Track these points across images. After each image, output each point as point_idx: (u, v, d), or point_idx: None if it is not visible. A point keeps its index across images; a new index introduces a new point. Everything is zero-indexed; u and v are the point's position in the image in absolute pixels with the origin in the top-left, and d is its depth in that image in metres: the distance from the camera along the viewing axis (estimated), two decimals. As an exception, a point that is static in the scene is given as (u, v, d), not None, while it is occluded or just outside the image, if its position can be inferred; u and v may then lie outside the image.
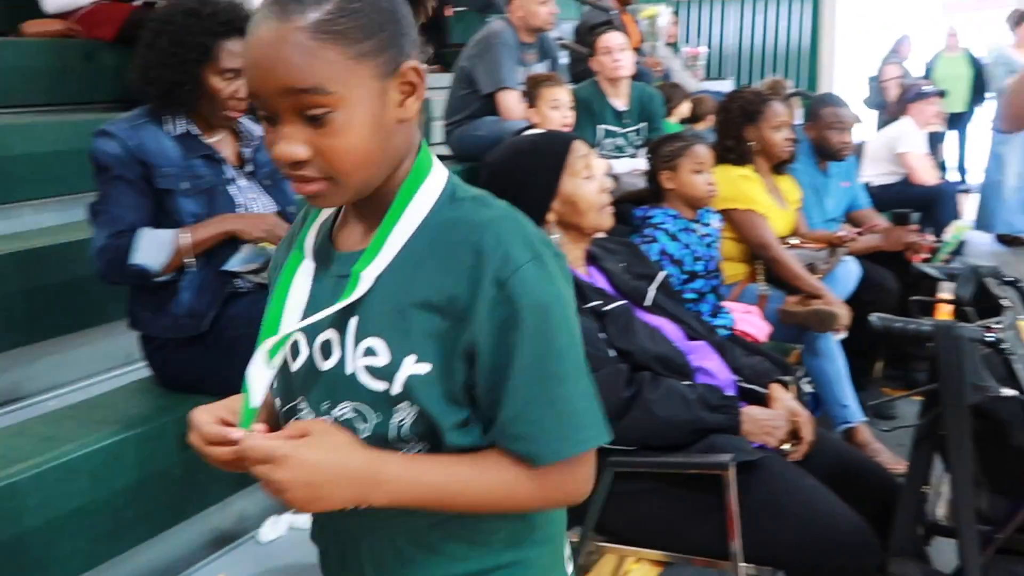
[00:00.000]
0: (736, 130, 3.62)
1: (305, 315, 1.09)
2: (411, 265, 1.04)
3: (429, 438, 1.05)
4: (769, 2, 9.84)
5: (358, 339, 1.05)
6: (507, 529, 1.12)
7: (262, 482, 0.99)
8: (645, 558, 2.12)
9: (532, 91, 4.07)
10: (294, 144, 0.99)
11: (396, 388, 1.02)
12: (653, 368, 2.07)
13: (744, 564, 1.92)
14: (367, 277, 1.05)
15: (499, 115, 4.35)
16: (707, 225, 3.17)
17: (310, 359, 1.10)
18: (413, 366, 1.02)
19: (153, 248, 2.24)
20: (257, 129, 2.51)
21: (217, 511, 2.53)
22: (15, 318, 2.71)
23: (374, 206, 1.08)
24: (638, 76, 4.91)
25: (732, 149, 3.62)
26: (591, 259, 2.26)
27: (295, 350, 1.11)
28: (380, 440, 1.04)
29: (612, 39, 4.39)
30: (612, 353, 2.05)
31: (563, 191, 2.11)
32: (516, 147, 2.20)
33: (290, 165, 1.00)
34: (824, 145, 4.00)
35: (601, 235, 2.28)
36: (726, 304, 3.14)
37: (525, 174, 2.13)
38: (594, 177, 2.13)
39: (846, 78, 9.32)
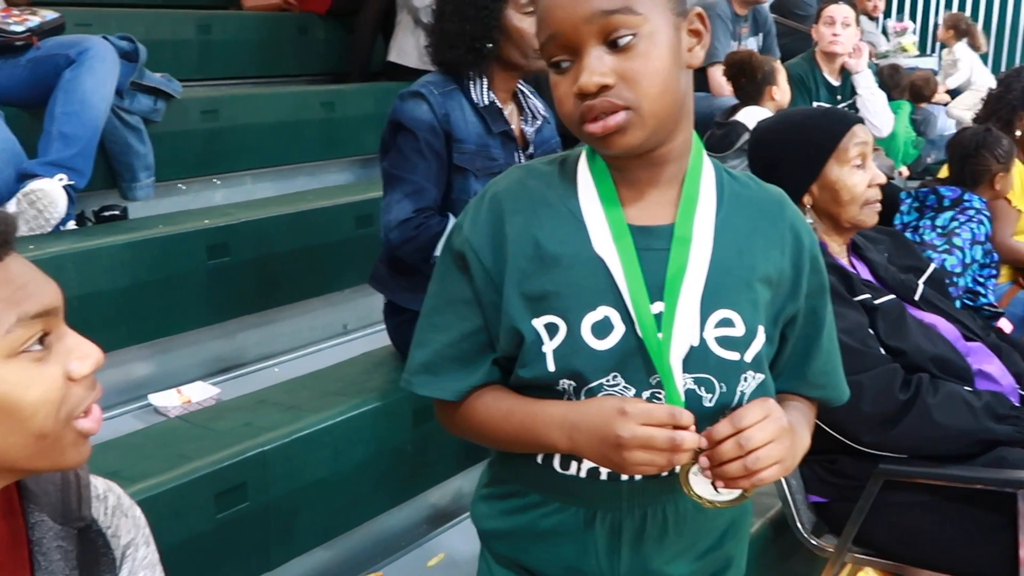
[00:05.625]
0: (1009, 115, 3.35)
1: (640, 288, 1.05)
2: (740, 239, 1.09)
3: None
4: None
5: (708, 310, 1.06)
6: None
7: (737, 453, 0.96)
8: (910, 577, 1.96)
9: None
10: (600, 70, 0.98)
11: (748, 357, 1.07)
12: (929, 370, 1.90)
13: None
14: (700, 248, 1.06)
15: (709, 91, 4.18)
16: None
17: (629, 334, 1.04)
18: (762, 336, 1.08)
19: None
20: (543, 107, 2.35)
21: (436, 489, 2.51)
22: (241, 287, 2.76)
23: (662, 173, 1.08)
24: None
25: None
26: (853, 249, 2.09)
27: (605, 327, 1.05)
28: (721, 409, 1.05)
29: (838, 11, 4.12)
30: (882, 351, 1.89)
31: (826, 176, 1.95)
32: (788, 117, 2.06)
33: (594, 94, 0.98)
34: None
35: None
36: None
37: (789, 148, 1.98)
38: (866, 168, 1.96)
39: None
